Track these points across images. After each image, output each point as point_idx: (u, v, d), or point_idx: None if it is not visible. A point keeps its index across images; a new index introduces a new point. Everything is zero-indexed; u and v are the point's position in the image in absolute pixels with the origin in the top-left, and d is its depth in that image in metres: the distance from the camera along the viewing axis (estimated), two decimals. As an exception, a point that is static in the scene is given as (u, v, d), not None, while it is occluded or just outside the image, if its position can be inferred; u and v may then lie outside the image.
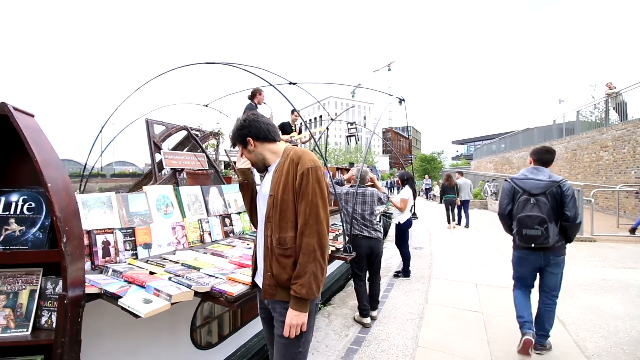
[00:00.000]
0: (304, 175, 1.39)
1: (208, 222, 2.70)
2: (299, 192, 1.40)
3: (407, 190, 5.12)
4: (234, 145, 1.68)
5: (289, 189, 1.41)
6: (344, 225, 3.28)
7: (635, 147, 9.63)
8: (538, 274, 2.84)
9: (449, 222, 9.98)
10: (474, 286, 4.59)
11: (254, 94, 5.21)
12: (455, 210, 10.14)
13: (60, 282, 1.36)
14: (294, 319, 1.36)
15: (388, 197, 4.02)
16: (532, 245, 2.64)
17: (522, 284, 2.96)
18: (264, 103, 5.42)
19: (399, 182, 5.31)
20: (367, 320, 3.46)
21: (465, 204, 9.98)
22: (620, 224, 8.39)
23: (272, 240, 1.43)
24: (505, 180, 3.36)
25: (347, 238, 3.06)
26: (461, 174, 10.53)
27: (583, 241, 7.09)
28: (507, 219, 2.91)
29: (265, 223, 1.48)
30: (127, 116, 5.15)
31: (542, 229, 2.57)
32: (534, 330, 2.72)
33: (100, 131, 5.19)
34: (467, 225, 9.93)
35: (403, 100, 4.87)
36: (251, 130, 1.54)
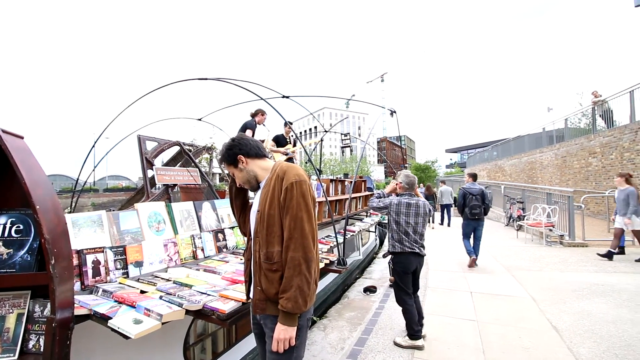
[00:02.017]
0: (288, 190, 1.40)
1: (201, 237, 2.69)
2: (284, 207, 1.41)
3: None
4: (223, 164, 1.68)
5: (275, 204, 1.43)
6: (393, 240, 3.12)
7: (622, 153, 9.82)
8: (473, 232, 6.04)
9: (430, 223, 11.89)
10: (469, 294, 4.58)
11: (257, 113, 5.28)
12: (438, 213, 12.43)
13: (49, 305, 1.35)
14: (282, 333, 1.36)
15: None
16: (475, 217, 5.90)
17: (466, 237, 6.12)
18: (264, 125, 5.48)
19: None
20: (422, 342, 3.10)
21: (447, 207, 12.02)
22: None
23: (260, 255, 1.45)
24: (460, 188, 6.57)
25: (340, 251, 3.06)
26: (444, 182, 12.90)
27: (575, 246, 7.16)
28: (463, 207, 6.00)
29: (254, 238, 1.50)
30: (121, 130, 5.15)
31: (479, 210, 5.88)
32: (475, 255, 6.02)
33: (93, 146, 5.19)
34: (448, 225, 11.84)
35: (394, 112, 4.94)
36: (242, 149, 1.56)
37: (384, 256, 3.41)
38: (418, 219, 3.13)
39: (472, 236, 6.07)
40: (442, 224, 12.03)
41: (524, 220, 9.29)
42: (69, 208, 4.82)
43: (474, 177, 6.48)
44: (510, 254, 7.00)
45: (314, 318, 4.16)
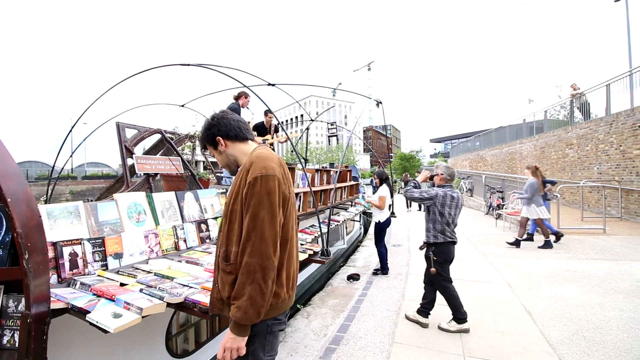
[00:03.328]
0: (251, 185, 1.24)
1: (183, 228, 2.65)
2: (245, 203, 1.26)
3: (384, 189, 5.23)
4: (203, 148, 1.55)
5: (238, 199, 1.29)
6: (435, 230, 3.21)
7: (597, 145, 10.20)
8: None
9: (407, 207, 14.65)
10: (449, 282, 4.73)
11: (240, 96, 5.17)
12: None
13: (23, 300, 1.32)
14: (229, 341, 1.24)
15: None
16: None
17: None
18: (247, 108, 5.38)
19: (377, 181, 5.42)
20: (468, 325, 3.22)
21: None
22: (584, 217, 8.87)
23: (220, 253, 1.35)
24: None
25: (324, 241, 3.09)
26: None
27: (550, 234, 7.46)
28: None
29: (218, 233, 1.40)
30: (100, 116, 4.97)
31: None
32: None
33: (70, 131, 4.99)
34: (422, 209, 13.42)
35: (380, 102, 4.95)
36: (220, 129, 1.43)
37: (421, 248, 3.46)
38: (457, 211, 3.30)
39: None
40: (420, 209, 14.01)
41: (502, 209, 9.60)
42: (44, 196, 4.66)
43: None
44: (489, 241, 7.24)
45: (298, 306, 4.22)
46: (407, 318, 3.53)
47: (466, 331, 3.20)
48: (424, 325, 3.34)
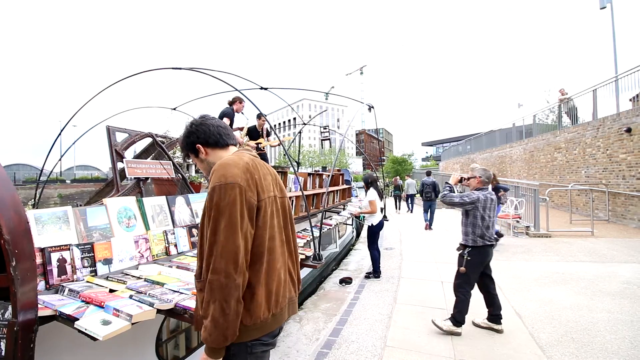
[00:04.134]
0: (210, 196, 1.17)
1: (174, 233, 2.64)
2: (207, 215, 1.18)
3: (372, 192, 5.27)
4: (185, 156, 1.47)
5: (205, 211, 1.22)
6: (475, 235, 3.17)
7: (584, 149, 10.43)
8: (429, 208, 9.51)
9: (396, 209, 15.56)
10: (440, 284, 4.78)
11: (234, 101, 5.17)
12: (404, 202, 15.79)
13: (10, 308, 1.30)
14: None
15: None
16: (428, 199, 9.88)
17: (425, 211, 10.02)
18: (242, 113, 5.38)
19: (364, 185, 5.47)
20: (461, 329, 3.24)
21: (411, 197, 15.05)
22: (572, 220, 9.05)
23: (196, 269, 1.28)
24: (420, 181, 11.88)
25: (316, 246, 3.09)
26: (410, 176, 17.09)
27: (539, 237, 7.58)
28: (422, 192, 9.98)
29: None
30: (89, 118, 4.93)
31: (430, 194, 9.87)
32: (430, 223, 9.72)
33: (59, 134, 4.93)
34: (411, 211, 14.67)
35: (372, 107, 4.99)
36: (199, 136, 1.37)
37: (458, 249, 3.41)
38: (493, 213, 3.28)
39: (428, 211, 9.85)
40: (409, 210, 14.87)
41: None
42: (32, 200, 4.57)
43: (428, 173, 10.80)
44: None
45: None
46: (478, 325, 3.39)
47: (458, 334, 3.21)
48: (499, 332, 3.25)
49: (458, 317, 3.22)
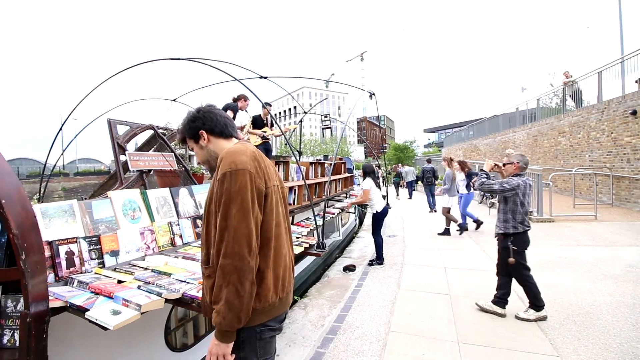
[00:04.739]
0: (220, 182, 1.19)
1: (179, 224, 2.67)
2: (216, 202, 1.21)
3: (367, 182, 5.30)
4: (182, 141, 1.48)
5: (213, 198, 1.24)
6: (515, 221, 3.18)
7: (589, 132, 10.32)
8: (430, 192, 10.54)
9: (397, 196, 15.68)
10: (443, 270, 4.83)
11: (239, 98, 5.18)
12: (406, 189, 15.98)
13: (22, 300, 1.33)
14: (214, 348, 1.17)
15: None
16: (428, 183, 10.84)
17: (427, 196, 10.93)
18: (246, 111, 5.38)
19: (362, 174, 5.51)
20: (545, 312, 3.23)
21: (410, 184, 15.42)
22: (576, 204, 9.03)
23: (202, 256, 1.30)
24: (421, 167, 15.09)
25: (320, 234, 3.12)
26: (407, 164, 17.86)
27: (543, 222, 7.59)
28: (423, 178, 11.11)
29: (201, 236, 1.35)
30: (90, 111, 4.92)
31: (430, 179, 10.83)
32: (432, 206, 10.65)
33: (61, 129, 4.94)
34: (410, 197, 14.98)
35: (373, 94, 4.95)
36: (206, 123, 1.39)
37: (497, 238, 3.43)
38: (531, 199, 3.24)
39: (429, 197, 10.69)
40: (410, 198, 15.01)
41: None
42: (37, 195, 4.62)
43: (429, 161, 12.10)
44: (482, 230, 7.35)
45: (295, 297, 4.28)
46: (482, 309, 3.43)
47: (544, 319, 3.18)
48: (502, 315, 3.30)
49: (537, 302, 3.22)
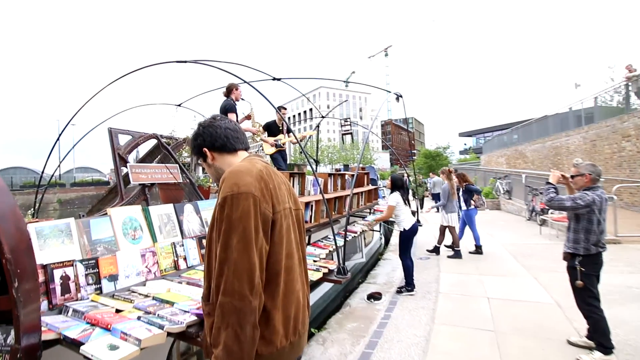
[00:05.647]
0: (220, 207, 1.17)
1: (183, 245, 2.70)
2: (216, 229, 1.19)
3: (394, 197, 5.22)
4: (197, 160, 1.59)
5: (214, 224, 1.22)
6: (588, 242, 3.09)
7: (659, 136, 9.87)
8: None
9: (421, 208, 14.18)
10: (486, 300, 4.66)
11: (230, 90, 5.23)
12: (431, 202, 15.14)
13: (12, 332, 1.36)
14: None
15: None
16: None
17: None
18: (242, 99, 5.45)
19: (389, 184, 5.46)
20: (615, 357, 3.07)
21: (437, 196, 14.44)
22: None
23: (203, 291, 1.30)
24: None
25: (341, 257, 3.08)
26: (436, 173, 16.49)
27: (606, 243, 7.23)
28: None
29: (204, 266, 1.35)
30: (90, 117, 5.13)
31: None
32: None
33: (58, 138, 5.17)
34: (437, 211, 15.00)
35: (400, 96, 4.93)
36: (205, 139, 1.41)
37: (565, 259, 3.37)
38: (606, 215, 3.19)
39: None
40: (438, 211, 14.25)
41: (548, 214, 9.38)
42: (32, 209, 4.82)
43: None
44: (533, 252, 7.09)
45: (312, 330, 4.22)
46: (573, 344, 3.32)
47: None
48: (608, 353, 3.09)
49: (605, 342, 3.05)
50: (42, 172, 5.86)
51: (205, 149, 1.42)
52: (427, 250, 7.65)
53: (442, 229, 7.60)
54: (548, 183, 3.39)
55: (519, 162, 21.13)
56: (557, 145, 16.68)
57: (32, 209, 4.51)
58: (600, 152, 12.92)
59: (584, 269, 3.11)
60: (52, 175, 6.06)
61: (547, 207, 10.09)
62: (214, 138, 1.40)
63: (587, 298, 3.13)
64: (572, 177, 3.29)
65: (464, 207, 7.52)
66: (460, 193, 7.55)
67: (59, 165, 5.63)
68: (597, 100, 13.89)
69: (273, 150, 6.02)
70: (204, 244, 2.81)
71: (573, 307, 4.23)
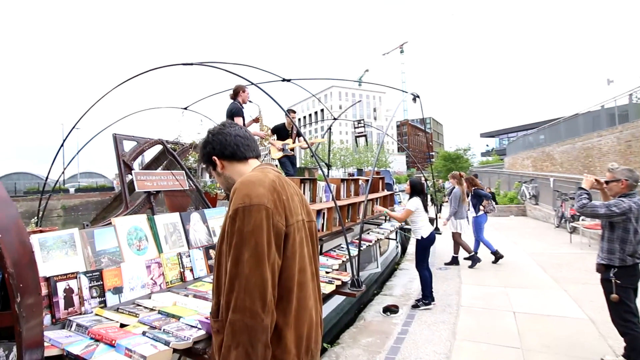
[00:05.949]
0: (231, 220, 1.17)
1: (189, 255, 2.72)
2: (226, 243, 1.19)
3: (414, 202, 5.15)
4: (206, 169, 1.54)
5: (224, 237, 1.22)
6: (624, 253, 3.03)
7: (701, 136, 9.57)
8: None
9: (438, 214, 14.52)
10: (512, 315, 4.58)
11: (237, 93, 5.28)
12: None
13: (14, 348, 1.39)
14: None
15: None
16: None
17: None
18: (250, 101, 5.50)
19: (408, 189, 5.40)
20: None
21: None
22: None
23: (212, 306, 1.30)
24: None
25: (355, 268, 3.06)
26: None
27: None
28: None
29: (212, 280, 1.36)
30: (94, 121, 5.25)
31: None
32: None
33: (62, 143, 5.30)
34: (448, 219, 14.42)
35: (417, 97, 4.90)
36: (215, 147, 1.42)
37: (598, 271, 3.31)
38: None
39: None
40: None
41: (579, 220, 9.15)
42: (35, 217, 4.94)
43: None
44: (562, 263, 6.93)
45: (324, 345, 4.20)
46: None
47: None
48: None
49: None
50: (47, 178, 6.02)
51: (215, 158, 1.43)
52: (445, 264, 7.52)
53: (457, 237, 7.50)
54: (581, 189, 3.32)
55: (546, 164, 20.74)
56: (588, 146, 16.30)
57: (36, 217, 4.62)
58: (636, 153, 12.58)
59: (620, 282, 3.04)
60: (57, 182, 6.21)
61: (577, 214, 9.90)
62: (224, 146, 1.41)
63: (623, 313, 3.06)
64: (607, 182, 3.23)
65: (472, 213, 7.42)
66: (469, 198, 7.46)
67: (63, 171, 5.76)
68: (632, 97, 13.57)
69: (280, 154, 6.04)
70: (211, 254, 2.87)
71: (608, 322, 4.14)
